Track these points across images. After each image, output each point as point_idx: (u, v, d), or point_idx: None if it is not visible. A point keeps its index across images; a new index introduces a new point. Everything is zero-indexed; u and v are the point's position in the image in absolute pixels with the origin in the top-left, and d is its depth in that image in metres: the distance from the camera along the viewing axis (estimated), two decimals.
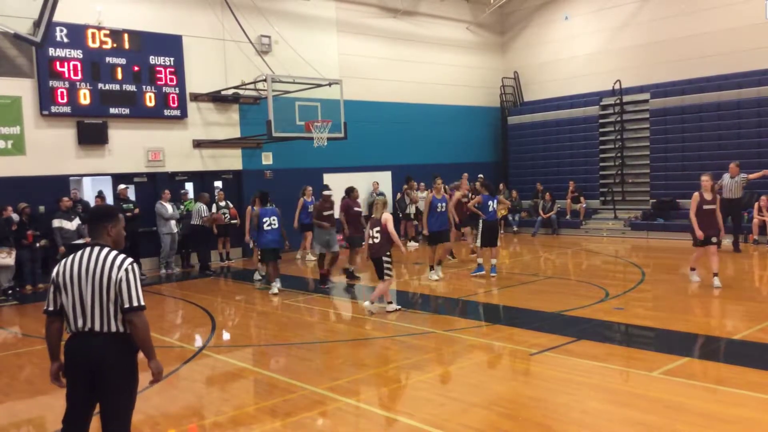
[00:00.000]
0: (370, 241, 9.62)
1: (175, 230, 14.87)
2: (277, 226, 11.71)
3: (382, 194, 16.78)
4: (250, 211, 12.56)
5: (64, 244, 12.99)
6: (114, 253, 3.83)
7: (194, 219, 14.93)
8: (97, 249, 3.83)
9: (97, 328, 3.74)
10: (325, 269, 12.29)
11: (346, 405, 5.89)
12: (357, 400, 6.03)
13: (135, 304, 3.72)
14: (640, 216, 18.62)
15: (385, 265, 9.50)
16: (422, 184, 19.08)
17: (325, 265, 12.32)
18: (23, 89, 13.60)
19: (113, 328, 3.75)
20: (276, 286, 11.68)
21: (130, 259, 3.84)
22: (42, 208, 13.63)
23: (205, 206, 15.00)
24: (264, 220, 11.64)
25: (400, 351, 7.57)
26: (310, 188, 15.08)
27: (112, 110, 14.60)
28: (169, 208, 14.72)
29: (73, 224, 13.17)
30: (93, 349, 3.74)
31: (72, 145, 14.27)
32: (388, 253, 9.53)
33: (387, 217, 9.53)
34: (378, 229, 9.48)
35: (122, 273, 3.74)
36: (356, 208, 12.95)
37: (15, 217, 12.78)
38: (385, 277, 9.52)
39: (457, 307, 10.21)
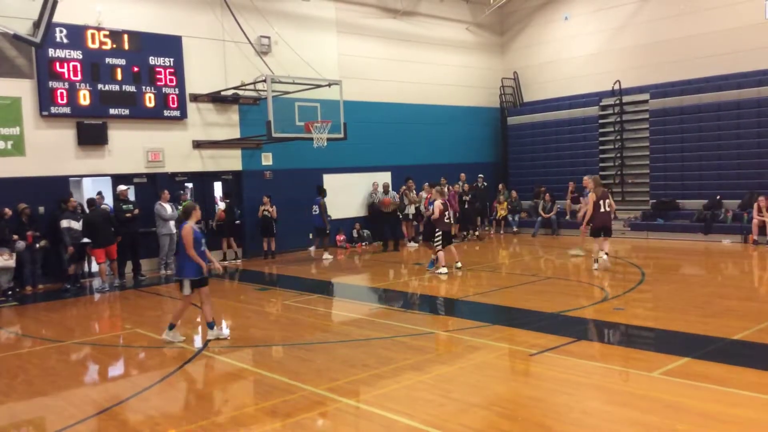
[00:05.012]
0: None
1: (174, 231, 14.80)
2: (318, 212, 16.26)
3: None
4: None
5: (73, 244, 12.99)
6: None
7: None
8: None
9: None
10: None
11: (346, 405, 5.89)
12: (357, 400, 6.03)
13: None
14: (639, 216, 18.62)
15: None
16: (426, 184, 19.01)
17: None
18: (23, 90, 13.59)
19: None
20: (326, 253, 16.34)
21: None
22: (42, 209, 13.63)
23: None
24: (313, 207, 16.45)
25: (400, 351, 7.57)
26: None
27: (112, 111, 14.59)
28: (168, 208, 14.67)
29: (80, 224, 13.16)
30: None
31: (72, 146, 14.26)
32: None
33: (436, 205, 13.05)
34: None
35: None
36: None
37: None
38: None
39: (457, 308, 10.21)
